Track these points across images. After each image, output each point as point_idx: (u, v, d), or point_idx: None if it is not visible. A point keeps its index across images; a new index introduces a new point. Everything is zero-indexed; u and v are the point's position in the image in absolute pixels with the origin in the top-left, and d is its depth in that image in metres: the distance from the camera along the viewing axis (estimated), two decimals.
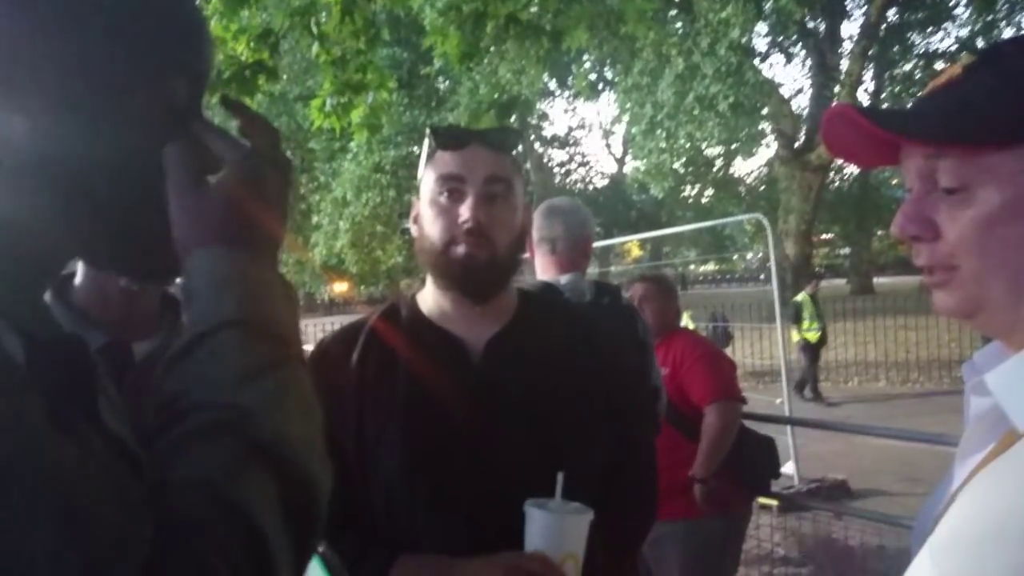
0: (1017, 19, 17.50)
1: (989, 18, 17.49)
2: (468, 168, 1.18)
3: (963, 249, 0.64)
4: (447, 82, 18.19)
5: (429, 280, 1.25)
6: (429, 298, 1.26)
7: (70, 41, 0.55)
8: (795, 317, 9.46)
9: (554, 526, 1.04)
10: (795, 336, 9.48)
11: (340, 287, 26.19)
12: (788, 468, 5.12)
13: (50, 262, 0.61)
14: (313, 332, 8.34)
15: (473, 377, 1.20)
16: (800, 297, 9.86)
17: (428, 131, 1.24)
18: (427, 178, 1.22)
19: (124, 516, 0.46)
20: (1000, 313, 0.65)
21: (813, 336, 9.45)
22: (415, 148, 18.29)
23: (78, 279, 1.40)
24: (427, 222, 1.20)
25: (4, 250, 0.54)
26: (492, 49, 6.60)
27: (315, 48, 5.05)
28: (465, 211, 1.15)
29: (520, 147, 1.30)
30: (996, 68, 0.65)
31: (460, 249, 1.16)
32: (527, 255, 2.15)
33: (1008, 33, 17.86)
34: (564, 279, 2.15)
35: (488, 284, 1.20)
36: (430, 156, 1.24)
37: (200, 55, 0.63)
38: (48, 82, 0.55)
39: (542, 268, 2.25)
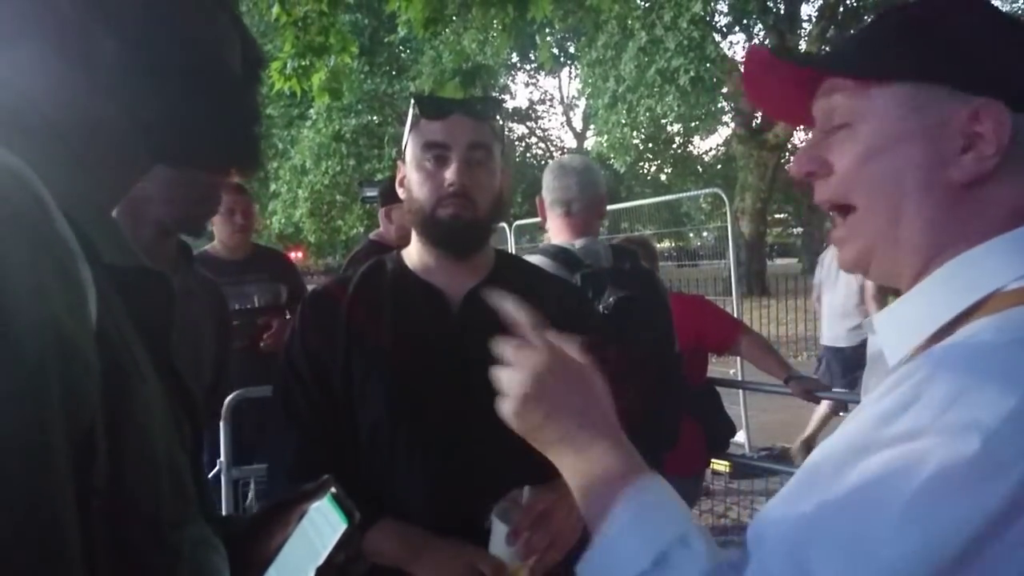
0: None
1: None
2: (451, 136, 1.26)
3: (849, 182, 0.68)
4: (409, 51, 17.92)
5: (415, 237, 1.33)
6: (414, 254, 1.35)
7: None
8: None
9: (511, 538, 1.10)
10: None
11: (296, 256, 25.86)
12: (740, 437, 5.28)
13: (128, 168, 0.61)
14: None
15: (453, 325, 1.28)
16: None
17: (412, 100, 1.33)
18: (412, 145, 1.30)
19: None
20: (886, 253, 0.68)
21: None
22: (376, 117, 18.03)
23: None
24: (415, 186, 1.29)
25: (87, 187, 0.55)
26: (456, 17, 6.52)
27: (275, 9, 4.95)
28: (450, 175, 1.24)
29: (499, 115, 1.37)
30: (893, 19, 0.70)
31: (446, 211, 1.25)
32: (540, 220, 2.14)
33: None
34: (579, 243, 2.00)
35: (470, 242, 1.30)
36: (414, 124, 1.31)
37: None
38: None
39: (556, 231, 2.08)
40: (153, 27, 0.57)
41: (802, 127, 0.81)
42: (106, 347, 0.45)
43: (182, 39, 0.58)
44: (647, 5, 13.72)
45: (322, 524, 0.74)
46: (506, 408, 0.75)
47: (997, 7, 0.69)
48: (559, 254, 1.91)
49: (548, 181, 2.11)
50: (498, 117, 1.36)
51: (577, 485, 0.70)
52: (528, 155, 30.39)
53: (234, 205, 3.08)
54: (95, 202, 0.54)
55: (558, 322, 1.32)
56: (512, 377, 0.75)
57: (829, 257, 5.11)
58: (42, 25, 0.54)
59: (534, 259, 1.78)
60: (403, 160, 1.34)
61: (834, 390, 3.54)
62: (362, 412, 1.24)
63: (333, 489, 0.76)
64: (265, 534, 0.77)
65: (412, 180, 1.29)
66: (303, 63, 5.04)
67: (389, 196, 3.06)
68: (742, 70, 0.77)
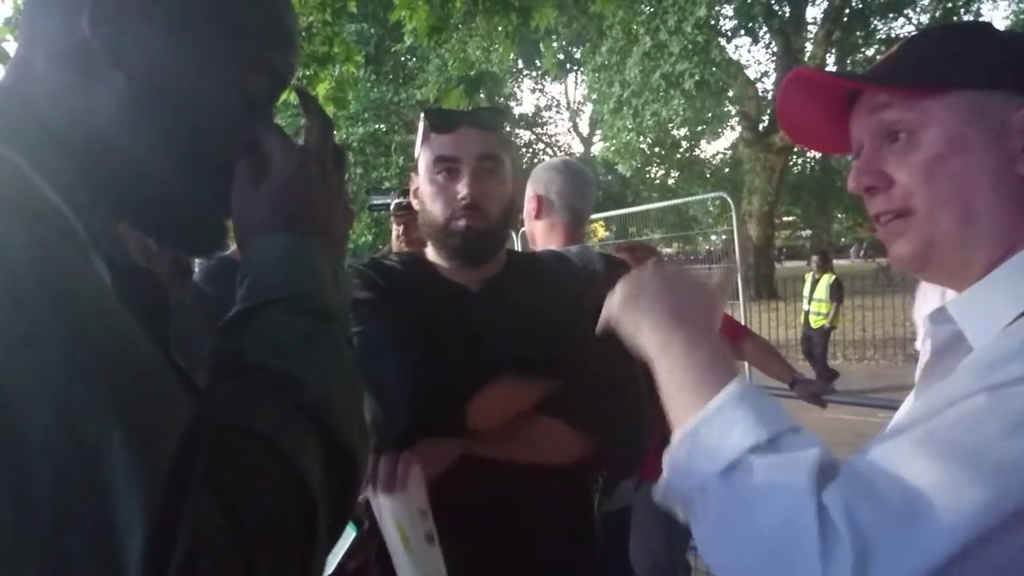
0: (975, 7, 17.84)
1: (949, 5, 17.80)
2: (461, 148, 1.30)
3: (915, 190, 0.71)
4: (415, 59, 18.01)
5: (430, 245, 1.38)
6: (432, 255, 1.39)
7: (173, 16, 0.59)
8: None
9: None
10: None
11: None
12: None
13: (130, 183, 0.63)
14: None
15: (473, 313, 1.31)
16: None
17: (423, 115, 1.36)
18: (424, 158, 1.35)
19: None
20: (953, 251, 0.71)
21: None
22: (382, 125, 18.11)
23: None
24: (428, 199, 1.33)
25: (83, 187, 0.57)
26: (461, 25, 6.56)
27: None
28: (462, 188, 1.28)
29: (506, 124, 1.39)
30: (928, 40, 0.77)
31: (460, 223, 1.29)
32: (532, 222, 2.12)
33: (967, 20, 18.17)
34: (574, 249, 1.99)
35: (485, 251, 1.33)
36: (425, 138, 1.35)
37: (286, 56, 0.67)
38: (144, 53, 0.58)
39: (548, 236, 2.06)
40: (160, 74, 0.59)
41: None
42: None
43: (188, 101, 0.60)
44: (651, 10, 13.75)
45: None
46: (611, 307, 0.79)
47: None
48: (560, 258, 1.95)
49: (561, 185, 2.06)
50: (506, 125, 1.38)
51: (674, 381, 0.70)
52: (535, 161, 30.42)
53: None
54: (97, 206, 0.57)
55: (568, 297, 1.33)
56: (620, 284, 0.80)
57: None
58: (57, 43, 0.57)
59: None
60: (416, 172, 1.38)
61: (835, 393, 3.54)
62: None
63: None
64: None
65: (425, 193, 1.33)
66: (307, 73, 5.08)
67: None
68: (781, 92, 0.81)
